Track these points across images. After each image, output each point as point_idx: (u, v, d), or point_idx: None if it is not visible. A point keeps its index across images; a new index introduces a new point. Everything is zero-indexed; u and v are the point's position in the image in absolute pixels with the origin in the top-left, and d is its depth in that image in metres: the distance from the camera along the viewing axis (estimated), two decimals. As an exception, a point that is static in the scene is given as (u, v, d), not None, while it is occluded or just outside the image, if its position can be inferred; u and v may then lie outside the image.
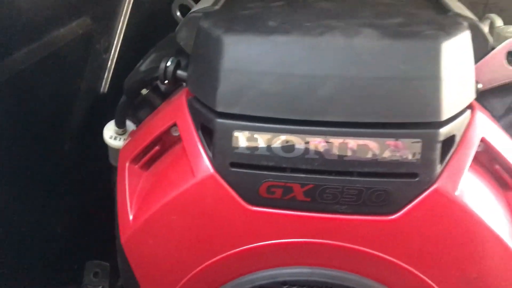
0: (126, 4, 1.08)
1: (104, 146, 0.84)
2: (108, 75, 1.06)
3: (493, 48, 0.62)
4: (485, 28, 0.76)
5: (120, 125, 0.71)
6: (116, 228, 0.63)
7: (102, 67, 1.05)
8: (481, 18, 1.75)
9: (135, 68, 0.71)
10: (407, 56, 0.51)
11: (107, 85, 1.05)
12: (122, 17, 1.09)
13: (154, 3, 1.15)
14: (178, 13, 0.79)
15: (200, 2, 0.71)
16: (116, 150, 0.73)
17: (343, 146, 0.52)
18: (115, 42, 1.08)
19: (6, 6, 0.71)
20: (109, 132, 0.73)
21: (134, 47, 1.10)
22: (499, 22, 0.74)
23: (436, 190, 0.52)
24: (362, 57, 0.51)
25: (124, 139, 0.72)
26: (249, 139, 0.53)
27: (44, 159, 0.84)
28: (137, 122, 0.71)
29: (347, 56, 0.51)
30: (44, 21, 0.82)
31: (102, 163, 0.92)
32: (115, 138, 0.73)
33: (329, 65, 0.51)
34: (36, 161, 0.83)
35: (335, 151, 0.52)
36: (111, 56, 1.07)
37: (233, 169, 0.54)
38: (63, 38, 0.89)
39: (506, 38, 0.66)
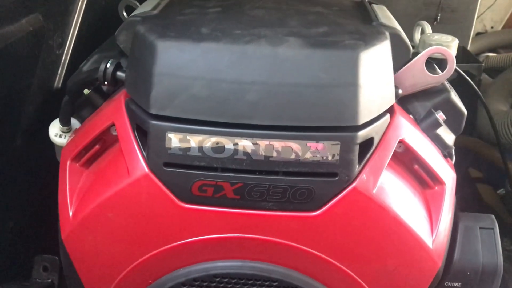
0: (80, 2, 1.09)
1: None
2: (62, 71, 1.07)
3: (416, 54, 0.67)
4: (416, 35, 0.80)
5: (65, 123, 0.72)
6: (58, 225, 0.66)
7: (56, 63, 1.05)
8: (435, 18, 1.80)
9: (78, 68, 0.73)
10: (326, 65, 0.55)
11: (61, 81, 1.06)
12: (76, 14, 1.10)
13: (107, 1, 1.16)
14: (124, 13, 0.80)
15: (141, 6, 0.73)
16: (61, 148, 0.74)
17: (269, 147, 0.55)
18: (69, 39, 1.08)
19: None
20: (54, 130, 0.75)
21: (89, 43, 1.11)
22: (428, 29, 0.78)
23: (354, 189, 0.56)
24: (285, 65, 0.54)
25: (66, 136, 0.74)
26: (181, 140, 0.56)
27: None
28: (82, 121, 0.72)
29: (271, 63, 0.55)
30: None
31: (52, 158, 0.93)
32: (60, 136, 0.74)
33: (255, 71, 0.55)
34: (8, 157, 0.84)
35: (262, 152, 0.55)
36: (64, 52, 1.07)
37: (167, 169, 0.57)
38: (12, 35, 0.90)
39: (430, 45, 0.71)
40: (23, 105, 0.94)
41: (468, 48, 1.78)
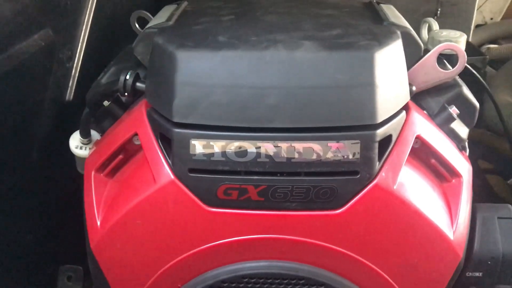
0: (87, 14, 1.11)
1: (71, 153, 0.87)
2: (72, 83, 1.09)
3: (428, 51, 0.68)
4: (424, 32, 0.82)
5: (85, 135, 0.74)
6: (85, 234, 0.67)
7: (66, 76, 1.07)
8: (435, 12, 1.82)
9: (96, 80, 0.75)
10: (343, 66, 0.56)
11: (72, 93, 1.08)
12: (84, 26, 1.12)
13: (114, 13, 1.18)
14: (137, 25, 0.82)
15: (155, 17, 0.74)
16: (82, 159, 0.76)
17: (291, 149, 0.57)
18: (78, 51, 1.10)
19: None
20: (75, 142, 0.76)
21: (97, 55, 1.14)
22: (435, 26, 0.80)
23: (376, 185, 0.58)
24: (303, 68, 0.56)
25: (89, 148, 0.75)
26: (205, 146, 0.57)
27: (12, 169, 0.87)
28: (101, 132, 0.74)
29: (289, 67, 0.56)
30: (6, 35, 0.85)
31: (70, 170, 0.95)
32: (80, 148, 0.76)
33: (274, 76, 0.56)
34: (5, 171, 0.86)
35: (284, 154, 0.57)
36: (74, 65, 1.09)
37: (192, 175, 0.58)
38: (26, 51, 0.92)
39: (439, 41, 0.73)
40: (38, 119, 0.96)
41: (470, 40, 1.79)
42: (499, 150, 1.23)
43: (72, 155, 0.86)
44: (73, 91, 1.08)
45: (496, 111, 0.99)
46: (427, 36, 0.80)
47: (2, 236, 0.84)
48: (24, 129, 0.92)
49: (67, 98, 1.07)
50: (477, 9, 2.40)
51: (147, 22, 0.81)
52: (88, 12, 1.12)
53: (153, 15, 0.80)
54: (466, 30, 1.78)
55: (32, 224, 0.95)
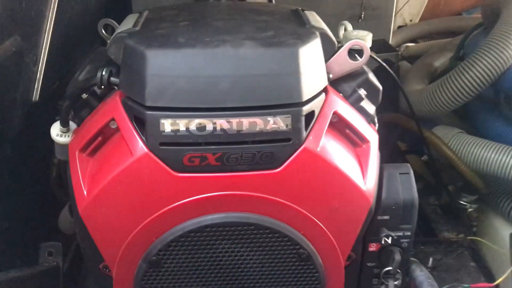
0: (48, 23, 1.24)
1: (42, 145, 1.01)
2: (38, 85, 1.22)
3: (341, 47, 0.88)
4: (340, 32, 1.02)
5: (64, 124, 0.88)
6: (73, 204, 0.81)
7: (32, 78, 1.20)
8: (359, 16, 2.06)
9: (73, 77, 0.89)
10: (276, 59, 0.74)
11: (38, 94, 1.21)
12: (46, 34, 1.25)
13: (71, 21, 1.32)
14: (103, 31, 0.97)
15: (122, 24, 0.89)
16: (62, 146, 0.90)
17: (239, 123, 0.74)
18: (42, 56, 1.23)
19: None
20: (55, 131, 0.90)
21: (58, 59, 1.28)
22: (349, 27, 1.00)
23: (304, 149, 0.77)
24: (246, 61, 0.74)
25: (68, 136, 0.89)
26: (172, 124, 0.74)
27: None
28: (80, 120, 0.88)
29: (236, 61, 0.74)
30: None
31: (41, 161, 1.08)
32: (60, 136, 0.89)
33: (224, 68, 0.74)
34: (7, 162, 0.98)
35: (234, 127, 0.74)
36: (39, 68, 1.22)
37: (162, 147, 0.74)
38: (0, 56, 1.04)
39: (351, 39, 0.93)
40: (11, 118, 1.08)
41: (390, 40, 2.04)
42: (411, 130, 1.46)
43: (42, 146, 1.00)
44: (38, 92, 1.21)
45: (404, 98, 1.22)
46: (344, 33, 1.00)
47: None
48: (9, 123, 1.05)
49: (33, 98, 1.20)
50: (398, 12, 2.70)
51: (109, 28, 0.96)
52: (49, 21, 1.26)
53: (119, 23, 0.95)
54: (386, 31, 2.04)
55: (10, 212, 1.07)
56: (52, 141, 0.94)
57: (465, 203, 1.38)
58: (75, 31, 1.42)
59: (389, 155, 1.61)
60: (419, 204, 0.99)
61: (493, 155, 1.22)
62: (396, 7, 2.59)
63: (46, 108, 1.22)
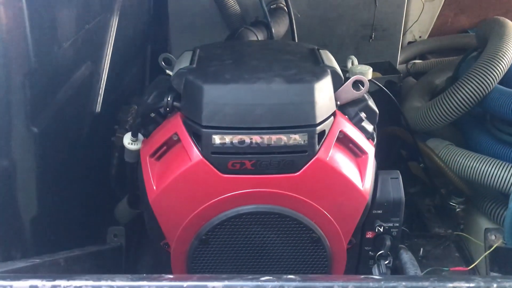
0: (108, 48, 1.55)
1: (103, 148, 1.32)
2: (100, 99, 1.52)
3: (348, 78, 1.15)
4: (348, 64, 1.28)
5: (135, 135, 1.16)
6: (143, 195, 1.09)
7: (96, 93, 1.51)
8: (370, 36, 2.33)
9: (143, 100, 1.17)
10: (297, 92, 1.02)
11: (100, 106, 1.51)
12: (106, 57, 1.56)
13: (125, 45, 1.64)
14: (162, 63, 1.25)
15: (179, 60, 1.17)
16: (131, 151, 1.18)
17: (269, 139, 1.01)
18: (103, 75, 1.54)
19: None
20: (127, 140, 1.18)
21: (114, 76, 1.59)
22: (355, 61, 1.27)
23: (317, 158, 1.03)
24: (275, 94, 1.01)
25: (137, 144, 1.17)
26: (220, 138, 1.01)
27: (70, 159, 1.30)
28: (146, 133, 1.16)
29: (267, 94, 1.01)
30: (70, 68, 1.28)
31: (103, 160, 1.40)
32: (131, 144, 1.18)
33: (259, 98, 1.01)
34: (77, 162, 1.28)
35: (265, 142, 1.01)
36: (101, 85, 1.53)
37: (213, 155, 1.02)
38: (79, 79, 1.35)
39: (355, 73, 1.19)
40: (82, 126, 1.39)
41: (398, 57, 2.28)
42: (409, 142, 1.72)
43: (102, 149, 1.31)
44: (100, 104, 1.52)
45: (401, 115, 1.48)
46: (350, 66, 1.27)
47: (64, 209, 1.26)
48: (81, 131, 1.36)
49: (97, 110, 1.51)
50: (408, 30, 2.94)
51: (167, 60, 1.24)
52: (109, 47, 1.57)
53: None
54: (395, 50, 2.30)
55: (79, 201, 1.37)
56: (109, 146, 1.24)
57: (454, 204, 1.63)
58: (126, 54, 1.74)
59: (392, 162, 1.87)
60: (416, 204, 1.25)
61: (475, 165, 1.47)
62: (406, 26, 2.83)
63: (106, 118, 1.52)
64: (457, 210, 1.62)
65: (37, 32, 1.08)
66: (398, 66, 2.28)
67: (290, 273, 1.08)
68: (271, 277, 0.58)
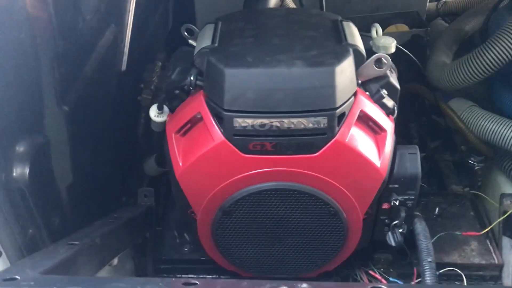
0: (130, 10, 1.55)
1: (130, 105, 1.42)
2: (125, 58, 1.54)
3: (371, 51, 1.14)
4: (373, 33, 1.26)
5: (161, 109, 1.20)
6: (170, 170, 1.16)
7: (121, 53, 1.53)
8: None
9: (167, 76, 1.20)
10: (317, 76, 1.03)
11: (125, 64, 1.53)
12: (128, 18, 1.56)
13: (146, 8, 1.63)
14: (185, 33, 1.25)
15: (202, 32, 1.18)
16: (157, 123, 1.23)
17: (290, 122, 1.04)
18: (126, 35, 1.55)
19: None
20: (153, 112, 1.22)
21: (136, 37, 1.59)
22: (379, 30, 1.24)
23: (336, 140, 1.06)
24: (295, 77, 1.02)
25: (162, 116, 1.22)
26: (242, 122, 1.05)
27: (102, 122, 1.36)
28: (172, 108, 1.20)
29: (288, 77, 1.03)
30: (96, 31, 1.30)
31: (130, 117, 1.45)
32: (157, 116, 1.22)
33: (279, 83, 1.03)
34: (106, 126, 1.35)
35: (285, 125, 1.04)
36: (125, 45, 1.54)
37: (235, 137, 1.06)
38: (107, 44, 1.37)
39: (378, 46, 1.18)
40: (110, 86, 1.43)
41: (427, 3, 2.17)
42: (430, 100, 1.70)
43: (129, 107, 1.38)
44: (125, 63, 1.54)
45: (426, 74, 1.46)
46: (375, 36, 1.25)
47: (100, 173, 1.33)
48: (109, 94, 1.41)
49: (122, 68, 1.53)
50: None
51: (190, 31, 1.24)
52: (130, 8, 1.57)
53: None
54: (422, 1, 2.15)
55: (110, 158, 1.44)
56: (136, 102, 1.30)
57: (473, 162, 1.65)
58: (147, 16, 1.73)
59: (415, 113, 1.87)
60: (435, 160, 1.27)
61: (497, 128, 1.46)
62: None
63: (132, 75, 1.56)
64: (476, 168, 1.65)
65: (61, 11, 1.09)
66: (428, 5, 2.18)
67: (307, 244, 1.17)
68: (285, 286, 0.65)
